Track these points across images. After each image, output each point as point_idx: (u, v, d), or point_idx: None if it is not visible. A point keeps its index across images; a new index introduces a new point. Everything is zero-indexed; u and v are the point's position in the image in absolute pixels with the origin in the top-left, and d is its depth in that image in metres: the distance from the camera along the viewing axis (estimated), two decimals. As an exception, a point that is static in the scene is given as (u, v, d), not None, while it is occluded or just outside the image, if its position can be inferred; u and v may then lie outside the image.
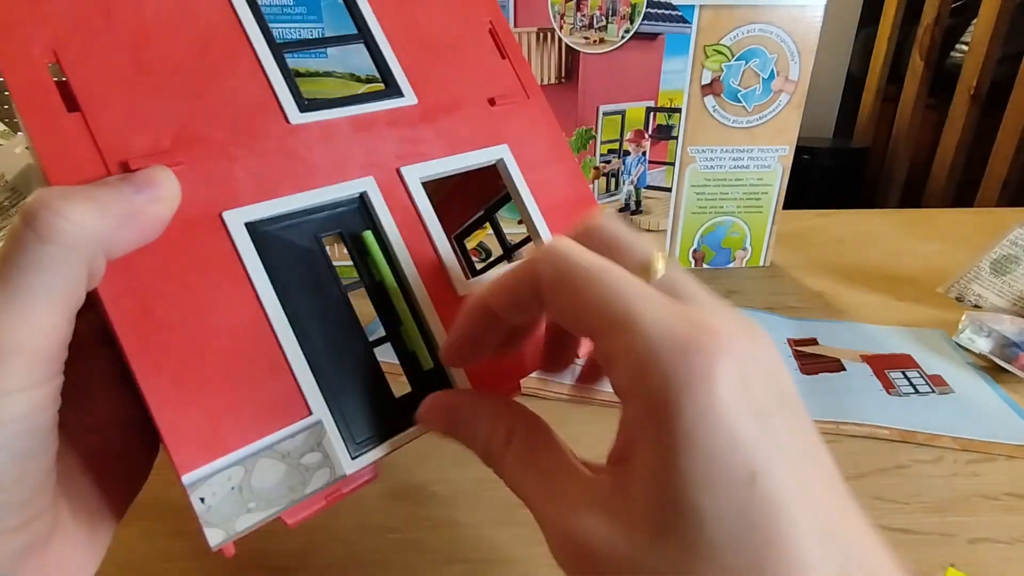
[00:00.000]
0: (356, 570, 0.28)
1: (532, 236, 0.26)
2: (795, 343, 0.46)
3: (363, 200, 0.22)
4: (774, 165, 0.56)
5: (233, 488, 0.17)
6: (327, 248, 0.21)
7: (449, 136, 0.25)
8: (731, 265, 0.60)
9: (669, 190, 0.57)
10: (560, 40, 0.51)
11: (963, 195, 1.65)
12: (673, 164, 0.56)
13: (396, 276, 0.22)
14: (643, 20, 0.51)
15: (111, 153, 0.18)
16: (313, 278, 0.20)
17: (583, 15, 0.50)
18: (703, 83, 0.53)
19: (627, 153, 0.55)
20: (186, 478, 0.17)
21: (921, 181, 1.76)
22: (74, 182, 0.17)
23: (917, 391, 0.40)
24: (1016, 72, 1.42)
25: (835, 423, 0.36)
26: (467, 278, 0.24)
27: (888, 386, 0.40)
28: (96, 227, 0.16)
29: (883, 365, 0.42)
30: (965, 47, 1.60)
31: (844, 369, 0.42)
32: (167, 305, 0.18)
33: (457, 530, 0.29)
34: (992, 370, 0.42)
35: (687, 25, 0.51)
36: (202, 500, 0.17)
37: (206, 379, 0.18)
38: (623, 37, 0.51)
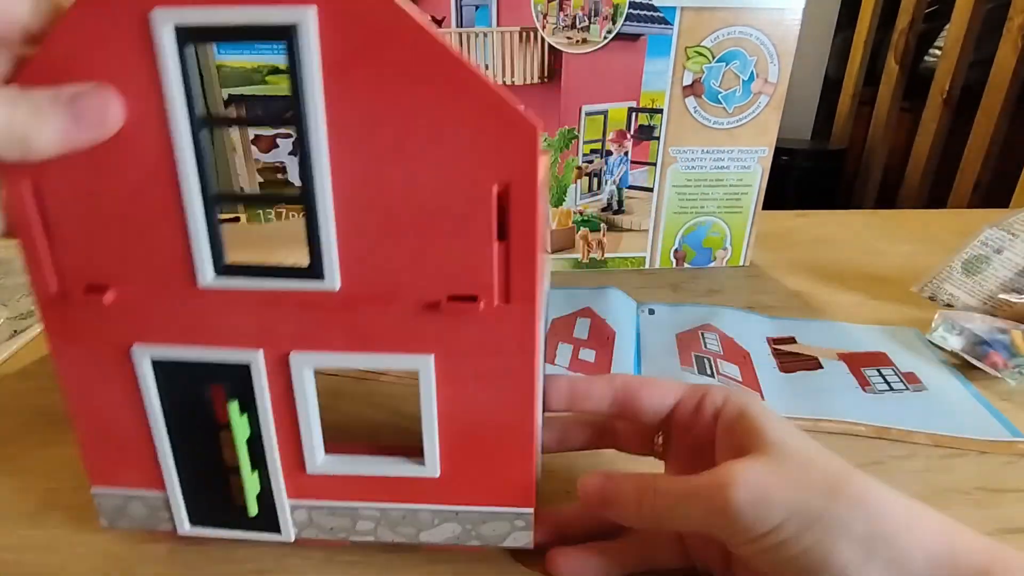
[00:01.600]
0: (339, 570, 0.27)
1: (421, 452, 0.25)
2: (774, 341, 0.46)
3: (246, 371, 0.24)
4: (754, 166, 0.57)
5: (116, 506, 0.27)
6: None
7: (362, 331, 0.23)
8: (712, 265, 0.61)
9: (651, 190, 0.57)
10: (543, 40, 0.51)
11: (936, 196, 1.69)
12: (655, 164, 0.56)
13: (255, 442, 0.25)
14: (625, 21, 0.51)
15: (68, 278, 0.23)
16: (187, 408, 0.25)
17: (566, 15, 0.50)
18: (684, 84, 0.53)
19: (609, 153, 0.56)
20: (94, 488, 0.27)
21: (896, 182, 1.80)
22: (43, 294, 0.23)
23: (892, 388, 0.40)
24: (987, 76, 1.46)
25: (813, 420, 0.37)
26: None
27: (864, 383, 0.41)
28: None
29: (859, 363, 0.43)
30: (939, 51, 1.64)
31: (821, 367, 0.43)
32: (89, 394, 0.25)
33: (439, 530, 0.29)
34: (964, 367, 0.43)
35: (669, 27, 0.51)
36: (99, 502, 0.27)
37: (115, 447, 0.26)
38: (605, 38, 0.51)
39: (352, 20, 0.19)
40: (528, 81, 0.52)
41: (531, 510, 0.26)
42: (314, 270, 0.22)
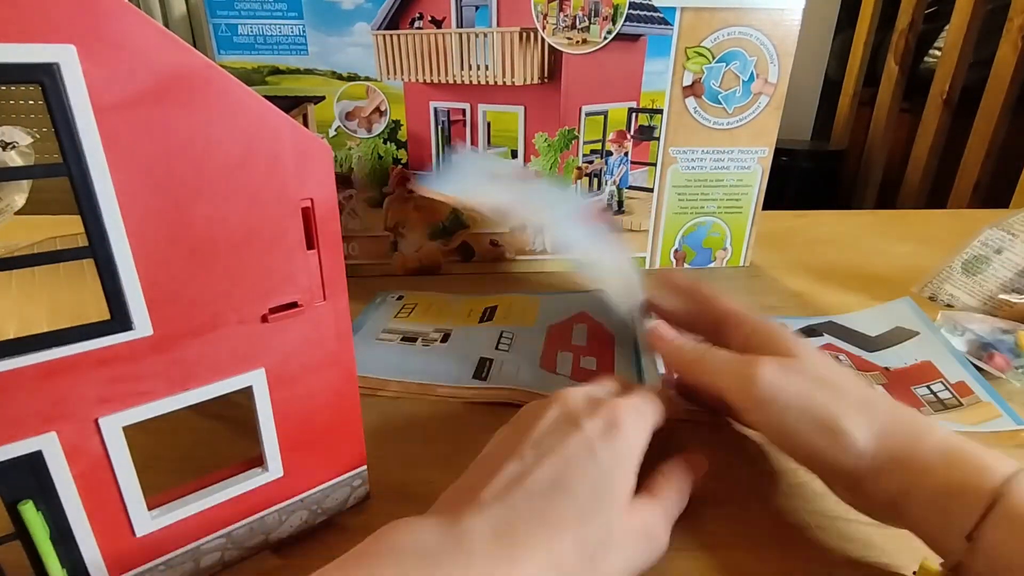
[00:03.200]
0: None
1: (262, 459, 0.25)
2: None
3: (36, 460, 0.20)
4: (754, 166, 0.57)
5: None
6: None
7: (186, 367, 0.22)
8: (712, 265, 0.61)
9: (651, 190, 0.57)
10: (543, 40, 0.51)
11: (936, 197, 1.69)
12: (655, 165, 0.56)
13: (62, 534, 0.21)
14: (625, 21, 0.51)
15: None
16: None
17: (566, 15, 0.50)
18: (684, 84, 0.53)
19: (609, 153, 0.56)
20: None
21: (896, 183, 1.80)
22: None
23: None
24: (987, 77, 1.46)
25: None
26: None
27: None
28: None
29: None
30: (938, 52, 1.64)
31: None
32: None
33: (440, 530, 0.29)
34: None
35: (668, 27, 0.51)
36: None
37: None
38: (605, 38, 0.51)
39: (123, 60, 0.18)
40: (528, 81, 0.52)
41: (365, 467, 0.29)
42: (119, 322, 0.20)
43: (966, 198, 1.54)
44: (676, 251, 0.60)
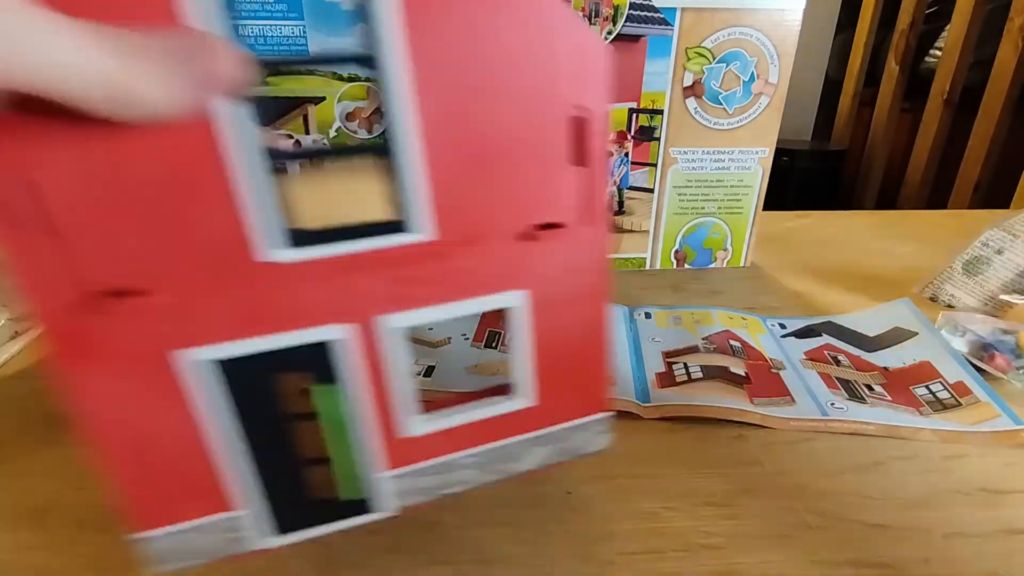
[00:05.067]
0: (337, 572, 0.27)
1: (512, 384, 0.25)
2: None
3: (327, 348, 0.21)
4: (754, 167, 0.57)
5: (175, 546, 0.22)
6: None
7: (457, 277, 0.22)
8: (712, 266, 0.61)
9: (651, 191, 0.57)
10: (543, 41, 0.51)
11: (937, 197, 1.69)
12: (655, 165, 0.56)
13: (343, 424, 0.22)
14: (625, 22, 0.51)
15: (85, 284, 0.18)
16: (258, 406, 0.21)
17: (566, 16, 0.50)
18: (685, 85, 0.53)
19: (610, 154, 0.56)
20: (142, 535, 0.22)
21: (897, 183, 1.80)
22: (49, 305, 0.18)
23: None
24: (987, 77, 1.46)
25: (823, 420, 0.37)
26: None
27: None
28: None
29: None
30: (939, 52, 1.64)
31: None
32: (128, 423, 0.20)
33: (440, 531, 0.29)
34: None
35: (669, 27, 0.51)
36: (154, 547, 0.22)
37: (170, 478, 0.21)
38: (606, 38, 0.51)
39: None
40: (529, 82, 0.52)
41: (607, 415, 0.27)
42: (405, 223, 0.20)
43: (967, 198, 1.54)
44: (676, 252, 0.60)
